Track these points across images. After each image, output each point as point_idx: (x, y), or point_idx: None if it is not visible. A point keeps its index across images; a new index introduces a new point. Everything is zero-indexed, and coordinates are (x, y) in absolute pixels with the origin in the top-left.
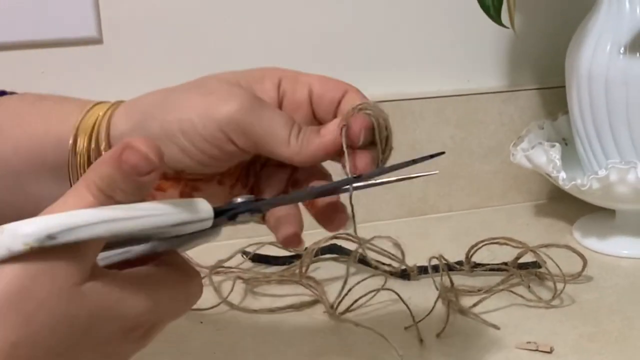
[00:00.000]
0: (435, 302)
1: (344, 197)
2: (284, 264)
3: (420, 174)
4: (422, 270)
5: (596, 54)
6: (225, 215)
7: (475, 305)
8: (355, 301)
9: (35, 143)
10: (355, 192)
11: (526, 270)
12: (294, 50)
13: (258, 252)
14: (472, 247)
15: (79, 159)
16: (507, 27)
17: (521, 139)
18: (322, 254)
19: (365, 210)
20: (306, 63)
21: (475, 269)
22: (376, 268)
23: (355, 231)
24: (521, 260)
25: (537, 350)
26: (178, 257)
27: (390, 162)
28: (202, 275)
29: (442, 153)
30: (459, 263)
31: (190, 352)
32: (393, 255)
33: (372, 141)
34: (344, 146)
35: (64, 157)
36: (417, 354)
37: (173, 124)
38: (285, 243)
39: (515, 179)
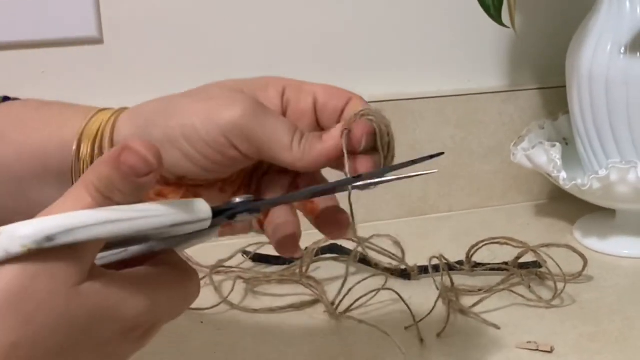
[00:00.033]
0: (436, 302)
1: (343, 197)
2: (284, 264)
3: (419, 173)
4: (423, 270)
5: (597, 54)
6: (223, 215)
7: (475, 305)
8: (356, 301)
9: (39, 149)
10: (354, 192)
11: (527, 270)
12: (294, 50)
13: (258, 251)
14: (473, 246)
15: (82, 165)
16: (508, 27)
17: (522, 139)
18: (322, 254)
19: (365, 210)
20: (306, 63)
21: (475, 269)
22: (376, 267)
23: (355, 231)
24: (522, 260)
25: (537, 350)
26: (175, 256)
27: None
28: (203, 274)
29: (442, 154)
30: (460, 263)
31: (191, 351)
32: (393, 254)
33: (374, 147)
34: (345, 151)
35: (67, 163)
36: (418, 353)
37: (175, 129)
38: (281, 247)
39: (515, 179)
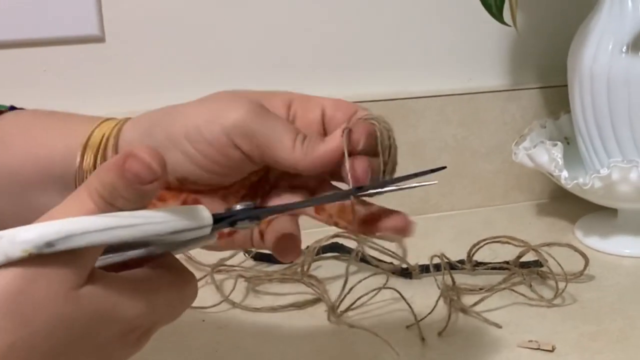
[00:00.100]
0: (437, 301)
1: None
2: (285, 263)
3: (420, 184)
4: (424, 269)
5: (598, 53)
6: (224, 222)
7: (476, 304)
8: (357, 300)
9: (43, 157)
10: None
11: (528, 269)
12: (294, 50)
13: (260, 250)
14: (474, 245)
15: (85, 174)
16: (509, 26)
17: (523, 138)
18: (323, 253)
19: None
20: (307, 63)
21: (477, 268)
22: (377, 265)
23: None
24: (523, 259)
25: (538, 349)
26: (173, 258)
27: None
28: (204, 273)
29: (444, 168)
30: (461, 262)
31: (192, 350)
32: (395, 253)
33: (375, 152)
34: (345, 151)
35: (71, 172)
36: (419, 352)
37: (178, 130)
38: (281, 251)
39: (517, 178)
